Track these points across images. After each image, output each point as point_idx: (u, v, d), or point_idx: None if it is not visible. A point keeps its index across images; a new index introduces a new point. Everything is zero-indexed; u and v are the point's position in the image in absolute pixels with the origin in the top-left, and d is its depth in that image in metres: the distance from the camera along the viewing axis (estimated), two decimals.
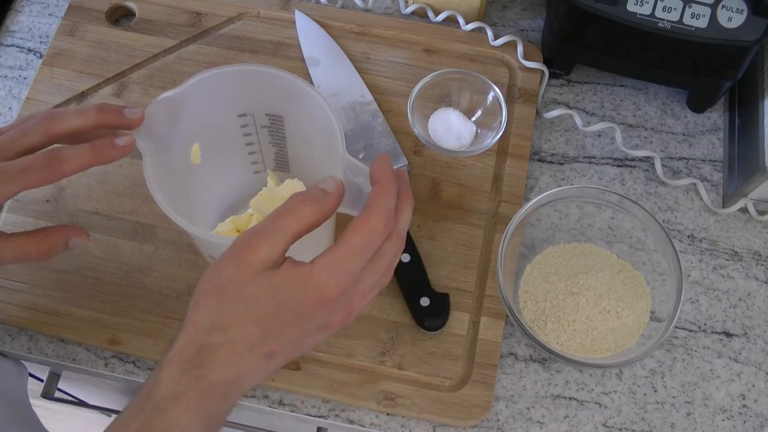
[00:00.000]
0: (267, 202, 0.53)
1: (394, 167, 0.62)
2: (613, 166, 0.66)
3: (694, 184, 0.65)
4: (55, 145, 0.47)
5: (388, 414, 0.56)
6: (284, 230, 0.38)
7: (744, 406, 0.57)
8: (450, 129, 0.63)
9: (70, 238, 0.50)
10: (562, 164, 0.66)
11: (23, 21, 0.73)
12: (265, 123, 0.54)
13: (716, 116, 0.69)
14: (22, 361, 0.63)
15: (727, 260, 0.62)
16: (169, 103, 0.47)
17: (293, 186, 0.54)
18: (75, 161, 0.46)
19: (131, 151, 0.47)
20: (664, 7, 0.59)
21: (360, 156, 0.63)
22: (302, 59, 0.68)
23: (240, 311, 0.38)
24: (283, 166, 0.59)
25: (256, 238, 0.39)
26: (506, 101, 0.63)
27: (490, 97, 0.63)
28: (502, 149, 0.65)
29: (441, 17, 0.70)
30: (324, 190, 0.40)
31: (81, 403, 0.83)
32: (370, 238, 0.39)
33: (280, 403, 0.56)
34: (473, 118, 0.64)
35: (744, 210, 0.64)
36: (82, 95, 0.67)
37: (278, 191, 0.54)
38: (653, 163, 0.66)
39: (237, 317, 0.38)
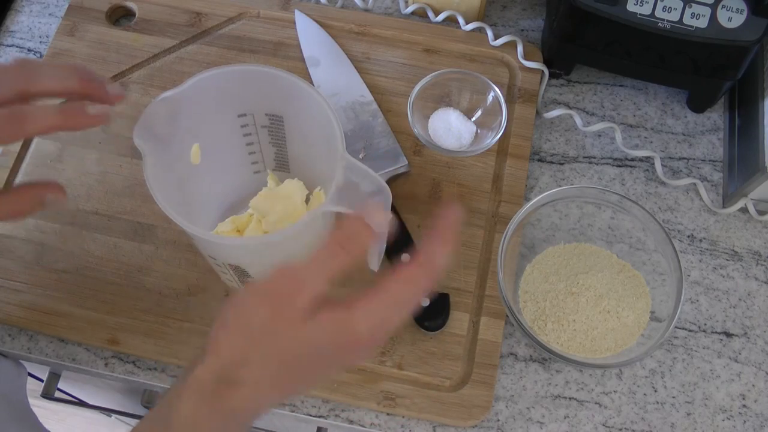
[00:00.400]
0: (267, 202, 0.53)
1: (394, 167, 0.63)
2: (613, 166, 0.66)
3: (694, 184, 0.65)
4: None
5: (388, 414, 0.56)
6: (323, 277, 0.37)
7: (744, 406, 0.57)
8: (450, 129, 0.63)
9: (45, 195, 0.46)
10: (562, 164, 0.66)
11: (23, 21, 0.73)
12: (265, 123, 0.54)
13: (716, 116, 0.69)
14: (22, 361, 0.64)
15: (727, 260, 0.62)
16: (169, 103, 0.47)
17: (293, 186, 0.54)
18: (40, 122, 0.43)
19: (103, 122, 0.44)
20: (664, 7, 0.59)
21: (360, 156, 0.63)
22: (302, 59, 0.68)
23: (272, 355, 0.37)
24: (283, 166, 0.59)
25: (297, 286, 0.37)
26: (506, 101, 0.63)
27: (490, 97, 0.63)
28: (502, 149, 0.65)
29: (441, 17, 0.70)
30: (371, 231, 0.38)
31: (81, 403, 0.83)
32: (413, 292, 0.38)
33: (280, 403, 0.56)
34: (473, 118, 0.64)
35: (744, 210, 0.64)
36: None
37: (278, 191, 0.54)
38: (653, 163, 0.66)
39: (268, 360, 0.37)
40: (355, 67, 0.68)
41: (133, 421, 0.78)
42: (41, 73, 0.44)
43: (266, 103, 0.52)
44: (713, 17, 0.59)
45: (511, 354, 0.59)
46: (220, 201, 0.59)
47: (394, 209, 0.60)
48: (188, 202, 0.53)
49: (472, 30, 0.70)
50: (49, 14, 0.73)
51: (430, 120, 0.64)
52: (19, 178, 0.63)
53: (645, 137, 0.68)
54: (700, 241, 0.63)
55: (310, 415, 0.56)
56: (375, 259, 0.53)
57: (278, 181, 0.56)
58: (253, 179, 0.59)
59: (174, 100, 0.47)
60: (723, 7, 0.58)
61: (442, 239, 0.38)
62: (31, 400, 0.66)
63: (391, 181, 0.62)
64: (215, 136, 0.52)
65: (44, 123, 0.43)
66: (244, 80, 0.49)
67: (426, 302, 0.57)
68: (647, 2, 0.59)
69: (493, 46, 0.69)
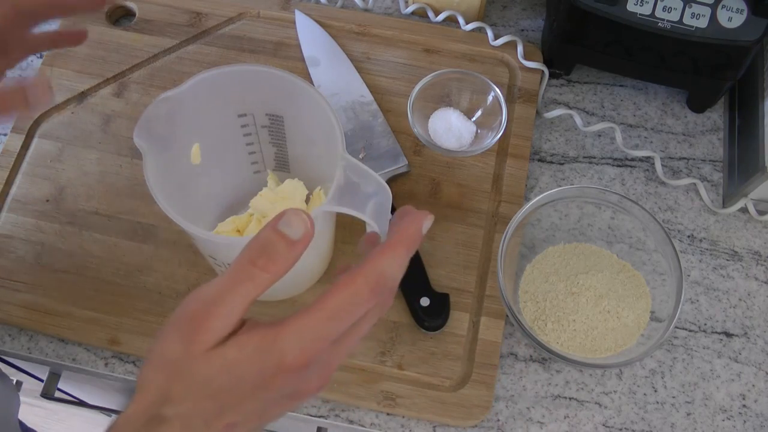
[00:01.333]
0: (267, 202, 0.53)
1: (394, 167, 0.62)
2: (613, 166, 0.66)
3: (694, 184, 0.65)
4: None
5: (388, 414, 0.56)
6: (239, 301, 0.33)
7: (744, 406, 0.57)
8: (450, 129, 0.63)
9: (29, 93, 0.44)
10: (562, 164, 0.66)
11: None
12: (265, 123, 0.54)
13: (716, 116, 0.69)
14: (20, 365, 0.64)
15: (727, 260, 0.62)
16: (169, 103, 0.47)
17: (293, 185, 0.54)
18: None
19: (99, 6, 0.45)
20: (664, 7, 0.59)
21: (360, 156, 0.63)
22: (302, 59, 0.68)
23: (193, 389, 0.33)
24: (283, 166, 0.59)
25: (206, 316, 0.33)
26: (506, 101, 0.63)
27: (490, 97, 0.63)
28: (502, 149, 0.65)
29: (441, 17, 0.70)
30: (288, 239, 0.33)
31: (81, 403, 0.83)
32: (351, 302, 0.33)
33: None
34: (473, 118, 0.64)
35: (744, 210, 0.64)
36: (82, 95, 0.67)
37: (278, 191, 0.54)
38: (653, 163, 0.66)
39: (190, 394, 0.33)
40: (355, 67, 0.68)
41: None
42: None
43: (266, 103, 0.52)
44: (713, 17, 0.59)
45: (511, 354, 0.59)
46: (220, 201, 0.59)
47: (394, 209, 0.60)
48: (188, 202, 0.53)
49: (472, 30, 0.70)
50: None
51: (430, 120, 0.64)
52: (19, 178, 0.63)
53: (645, 137, 0.68)
54: (700, 241, 0.63)
55: (310, 415, 0.56)
56: None
57: (278, 181, 0.56)
58: (253, 179, 0.59)
59: (174, 100, 0.47)
60: (723, 7, 0.58)
61: (396, 247, 0.34)
62: (31, 400, 0.67)
63: (391, 181, 0.62)
64: (215, 136, 0.52)
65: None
66: (244, 80, 0.49)
67: (426, 302, 0.57)
68: (647, 2, 0.59)
69: (493, 46, 0.69)
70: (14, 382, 0.77)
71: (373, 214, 0.45)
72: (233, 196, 0.59)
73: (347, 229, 0.60)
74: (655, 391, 0.58)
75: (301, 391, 0.35)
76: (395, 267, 0.34)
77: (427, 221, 0.36)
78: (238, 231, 0.54)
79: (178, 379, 0.34)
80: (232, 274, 0.33)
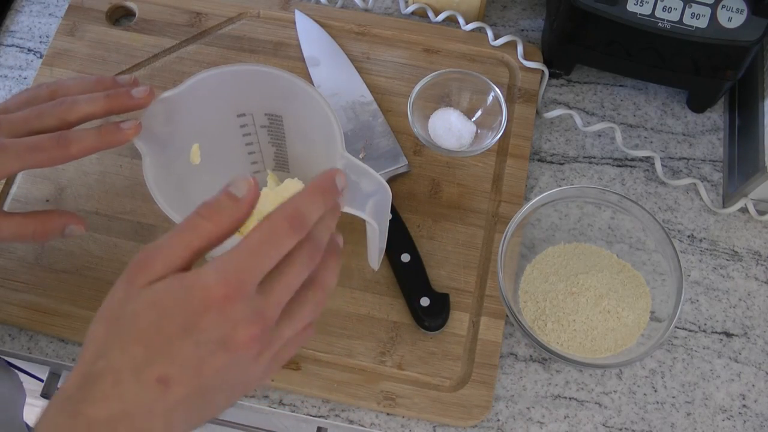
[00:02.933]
0: (267, 202, 0.53)
1: (394, 167, 0.62)
2: (613, 166, 0.66)
3: (694, 184, 0.65)
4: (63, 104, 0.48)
5: (388, 414, 0.56)
6: (182, 246, 0.35)
7: (744, 406, 0.57)
8: (450, 129, 0.63)
9: (68, 224, 0.49)
10: (562, 164, 0.66)
11: (23, 21, 0.73)
12: (264, 123, 0.54)
13: (716, 116, 0.69)
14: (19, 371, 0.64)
15: (727, 260, 0.62)
16: (168, 104, 0.47)
17: (293, 185, 0.54)
18: (82, 143, 0.46)
19: (136, 133, 0.46)
20: (664, 7, 0.59)
21: (360, 156, 0.63)
22: (302, 59, 0.68)
23: (121, 331, 0.33)
24: (282, 166, 0.59)
25: (148, 257, 0.35)
26: (506, 101, 0.63)
27: (490, 97, 0.63)
28: (502, 149, 0.65)
29: (441, 17, 0.70)
30: (232, 196, 0.36)
31: None
32: (270, 236, 0.35)
33: (280, 403, 0.56)
34: (473, 118, 0.64)
35: (744, 210, 0.64)
36: None
37: (278, 191, 0.54)
38: (653, 163, 0.66)
39: (117, 338, 0.33)
40: (355, 67, 0.68)
41: None
42: (77, 101, 0.47)
43: (265, 103, 0.52)
44: (713, 17, 0.59)
45: (511, 354, 0.59)
46: None
47: (394, 209, 0.60)
48: (188, 202, 0.53)
49: (472, 30, 0.70)
50: (49, 14, 0.73)
51: (430, 120, 0.64)
52: (19, 178, 0.62)
53: (645, 137, 0.68)
54: (700, 241, 0.63)
55: (310, 415, 0.56)
56: (375, 257, 0.53)
57: (278, 181, 0.56)
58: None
59: (173, 100, 0.47)
60: (723, 7, 0.58)
61: (311, 190, 0.37)
62: (31, 400, 0.66)
63: (391, 181, 0.62)
64: (214, 136, 0.52)
65: (86, 144, 0.46)
66: (242, 80, 0.49)
67: (426, 302, 0.57)
68: (647, 2, 0.59)
69: (493, 46, 0.69)
70: None
71: (373, 213, 0.45)
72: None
73: (347, 229, 0.60)
74: (655, 391, 0.58)
75: (234, 338, 0.34)
76: (310, 206, 0.36)
77: (339, 175, 0.39)
78: (239, 231, 0.54)
79: (112, 323, 0.34)
80: (179, 225, 0.36)
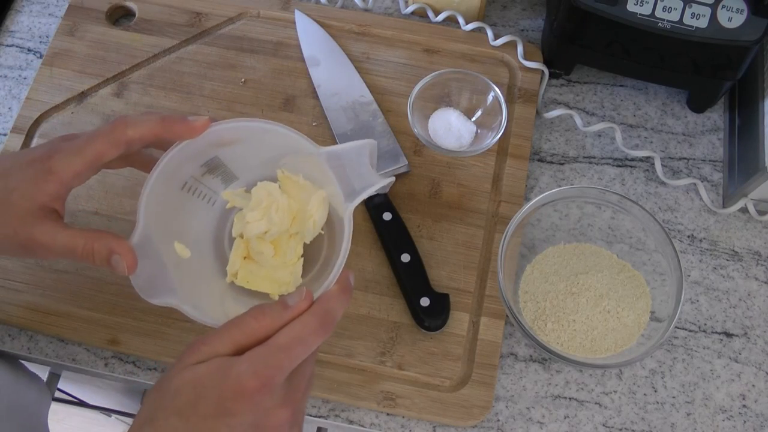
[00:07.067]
0: (253, 222, 0.52)
1: (394, 167, 0.63)
2: (613, 166, 0.66)
3: (694, 184, 0.65)
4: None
5: (388, 414, 0.56)
6: (227, 338, 0.40)
7: (744, 406, 0.57)
8: (450, 129, 0.63)
9: (115, 253, 0.46)
10: (562, 164, 0.66)
11: (23, 21, 0.73)
12: (203, 171, 0.53)
13: (716, 116, 0.69)
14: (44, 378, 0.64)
15: (727, 260, 0.62)
16: (138, 248, 0.47)
17: (265, 188, 0.52)
18: (140, 126, 0.47)
19: (199, 132, 0.48)
20: (664, 7, 0.59)
21: None
22: (302, 59, 0.68)
23: (164, 403, 0.39)
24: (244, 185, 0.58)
25: (198, 341, 0.40)
26: (506, 101, 0.63)
27: (490, 97, 0.63)
28: (502, 149, 0.65)
29: (441, 17, 0.70)
30: (285, 305, 0.41)
31: (81, 403, 0.83)
32: (301, 334, 0.40)
33: None
34: (473, 118, 0.64)
35: (744, 210, 0.64)
36: (82, 95, 0.67)
37: (253, 205, 0.52)
38: (653, 163, 0.66)
39: (161, 408, 0.39)
40: (355, 67, 0.68)
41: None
42: (130, 121, 0.47)
43: (192, 159, 0.52)
44: (713, 17, 0.59)
45: (511, 354, 0.59)
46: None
47: (394, 209, 0.61)
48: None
49: (472, 30, 0.70)
50: (49, 14, 0.73)
51: (430, 120, 0.64)
52: None
53: (645, 137, 0.68)
54: (700, 241, 0.63)
55: (310, 415, 0.56)
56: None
57: (245, 195, 0.55)
58: (226, 211, 0.57)
59: (139, 245, 0.48)
60: (723, 7, 0.58)
61: (341, 293, 0.43)
62: None
63: None
64: (173, 216, 0.53)
65: (144, 127, 0.47)
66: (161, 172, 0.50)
67: (426, 302, 0.57)
68: (647, 2, 0.59)
69: (493, 46, 0.69)
70: None
71: (375, 175, 0.48)
72: (219, 234, 0.57)
73: None
74: (655, 391, 0.58)
75: (266, 424, 0.39)
76: (337, 306, 0.42)
77: (351, 274, 0.45)
78: (245, 257, 0.53)
79: (159, 394, 0.39)
80: (231, 320, 0.41)
